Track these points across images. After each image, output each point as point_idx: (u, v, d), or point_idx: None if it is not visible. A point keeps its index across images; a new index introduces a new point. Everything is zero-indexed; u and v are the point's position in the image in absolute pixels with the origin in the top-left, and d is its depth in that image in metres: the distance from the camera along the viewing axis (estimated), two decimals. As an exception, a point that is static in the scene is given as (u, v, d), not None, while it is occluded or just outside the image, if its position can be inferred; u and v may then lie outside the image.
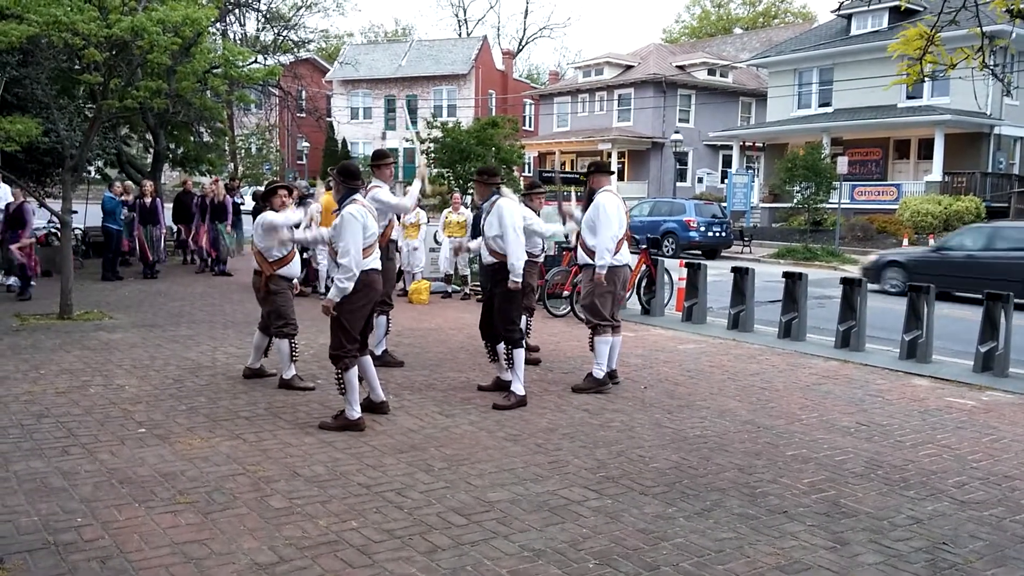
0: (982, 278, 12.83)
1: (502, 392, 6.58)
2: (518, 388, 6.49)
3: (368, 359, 5.98)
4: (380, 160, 7.55)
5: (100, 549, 3.67)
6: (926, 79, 3.97)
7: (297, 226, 6.94)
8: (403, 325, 9.84)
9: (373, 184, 7.30)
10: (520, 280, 6.51)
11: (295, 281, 6.81)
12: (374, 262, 5.76)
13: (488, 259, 6.73)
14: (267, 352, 7.03)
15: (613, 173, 7.83)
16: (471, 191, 15.11)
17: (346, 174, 5.86)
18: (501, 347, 6.63)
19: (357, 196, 5.81)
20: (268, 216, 6.78)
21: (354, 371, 5.66)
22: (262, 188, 9.83)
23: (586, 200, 7.39)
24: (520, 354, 6.53)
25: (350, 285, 5.53)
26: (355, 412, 5.64)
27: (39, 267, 12.41)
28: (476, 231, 11.71)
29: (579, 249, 7.30)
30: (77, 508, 4.12)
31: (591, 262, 7.00)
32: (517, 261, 6.46)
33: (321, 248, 12.01)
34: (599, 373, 7.00)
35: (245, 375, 7.07)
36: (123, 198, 14.74)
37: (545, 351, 8.54)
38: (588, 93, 41.77)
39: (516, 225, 6.53)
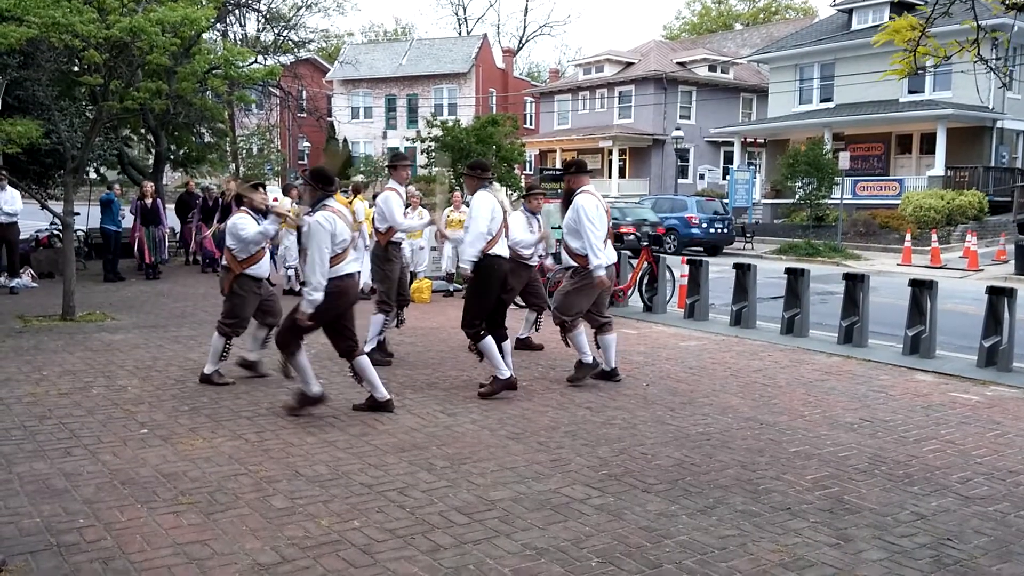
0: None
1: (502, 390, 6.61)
2: (500, 373, 6.55)
3: (366, 360, 5.99)
4: (398, 161, 7.79)
5: (102, 550, 3.66)
6: (919, 71, 3.95)
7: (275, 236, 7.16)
8: (405, 324, 9.82)
9: (389, 186, 7.70)
10: (469, 268, 6.51)
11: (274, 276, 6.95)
12: (347, 266, 5.77)
13: None
14: (266, 343, 7.08)
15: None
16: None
17: (321, 179, 5.82)
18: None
19: (329, 202, 5.76)
20: (241, 227, 6.78)
21: (302, 355, 5.89)
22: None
23: (564, 201, 7.25)
24: (487, 343, 6.49)
25: (319, 296, 5.56)
26: (382, 393, 6.01)
27: None
28: None
29: (563, 252, 7.30)
30: (79, 509, 4.12)
31: (575, 264, 6.98)
32: (469, 248, 6.47)
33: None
34: (588, 359, 7.05)
35: (239, 363, 7.11)
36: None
37: (547, 349, 8.54)
38: (589, 90, 41.71)
39: (481, 216, 6.46)
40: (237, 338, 7.00)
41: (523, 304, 8.98)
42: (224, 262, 7.08)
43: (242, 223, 6.79)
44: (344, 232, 5.70)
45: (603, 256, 6.78)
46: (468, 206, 6.89)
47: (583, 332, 7.05)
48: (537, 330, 8.78)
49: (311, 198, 5.82)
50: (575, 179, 7.10)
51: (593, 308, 7.12)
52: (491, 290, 6.60)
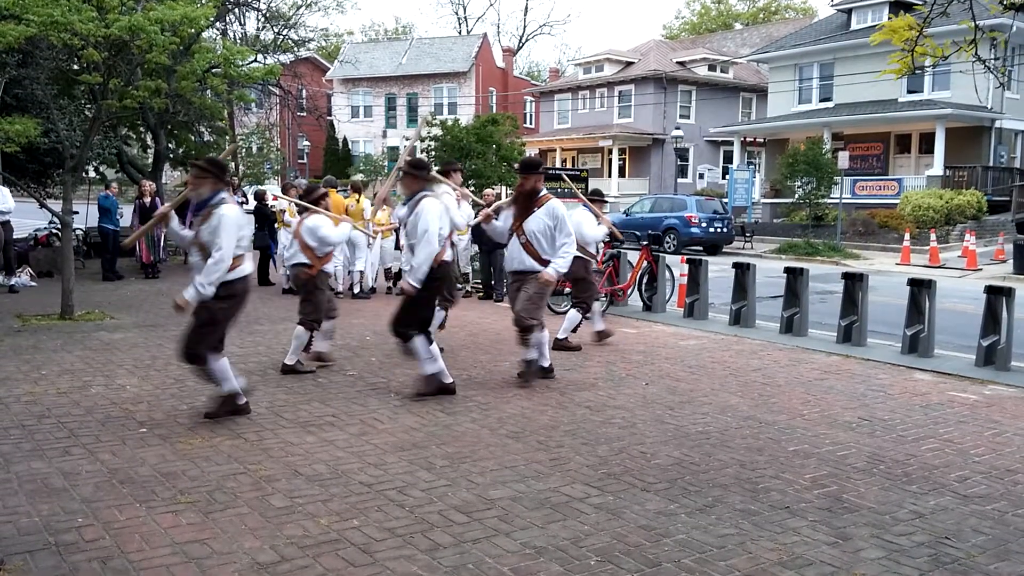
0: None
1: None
2: (426, 369, 6.41)
3: (226, 361, 5.71)
4: (449, 167, 8.42)
5: (101, 549, 3.66)
6: (917, 71, 3.95)
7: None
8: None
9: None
10: (414, 285, 6.17)
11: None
12: (247, 267, 5.69)
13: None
14: (332, 334, 7.68)
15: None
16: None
17: (217, 166, 5.56)
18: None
19: (225, 194, 5.55)
20: (324, 232, 7.23)
21: (224, 361, 5.65)
22: (263, 188, 9.92)
23: (525, 201, 6.87)
24: (418, 343, 6.32)
25: (212, 291, 5.40)
26: (234, 384, 5.70)
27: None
28: (476, 235, 11.77)
29: (527, 256, 6.89)
30: (78, 508, 4.11)
31: (540, 269, 6.78)
32: (423, 265, 6.16)
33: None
34: (538, 359, 7.05)
35: (313, 357, 7.50)
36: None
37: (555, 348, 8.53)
38: (589, 90, 41.71)
39: (432, 232, 6.15)
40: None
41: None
42: (300, 260, 7.29)
43: (319, 223, 7.21)
44: (249, 230, 5.68)
45: (567, 266, 6.91)
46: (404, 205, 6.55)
47: (546, 336, 7.11)
48: (575, 331, 8.69)
49: (210, 189, 5.47)
50: (541, 180, 7.02)
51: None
52: (435, 299, 6.55)
